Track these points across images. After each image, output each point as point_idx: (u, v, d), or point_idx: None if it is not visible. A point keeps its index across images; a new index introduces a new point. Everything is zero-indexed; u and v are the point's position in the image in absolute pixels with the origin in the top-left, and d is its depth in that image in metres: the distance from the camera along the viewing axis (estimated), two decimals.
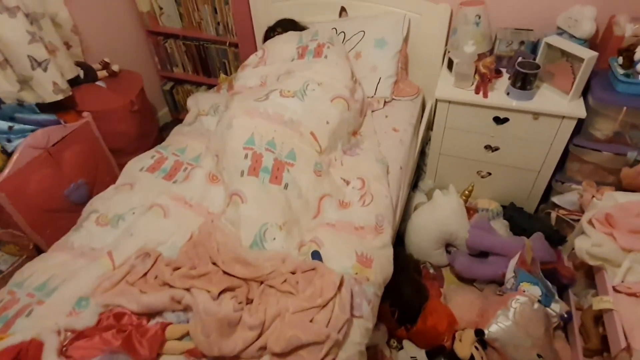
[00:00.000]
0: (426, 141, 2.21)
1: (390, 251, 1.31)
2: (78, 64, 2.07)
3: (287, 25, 2.06)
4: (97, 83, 2.09)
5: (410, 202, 2.01)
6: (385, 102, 1.98)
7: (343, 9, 2.14)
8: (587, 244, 1.36)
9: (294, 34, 1.94)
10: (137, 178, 1.57)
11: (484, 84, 1.68)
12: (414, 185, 2.13)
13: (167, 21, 2.49)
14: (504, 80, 1.79)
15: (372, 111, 1.93)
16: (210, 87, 2.70)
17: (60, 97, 1.80)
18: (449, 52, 1.93)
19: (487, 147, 1.85)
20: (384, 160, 1.60)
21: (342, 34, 2.06)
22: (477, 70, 1.72)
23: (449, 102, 1.75)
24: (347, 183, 1.51)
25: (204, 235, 1.25)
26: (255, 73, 1.85)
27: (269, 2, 2.23)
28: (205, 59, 2.54)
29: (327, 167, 1.53)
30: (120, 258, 1.21)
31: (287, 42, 1.91)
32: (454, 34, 1.86)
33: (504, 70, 1.85)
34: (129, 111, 2.05)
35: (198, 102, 1.97)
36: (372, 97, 1.97)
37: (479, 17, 1.77)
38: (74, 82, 2.01)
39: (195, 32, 2.43)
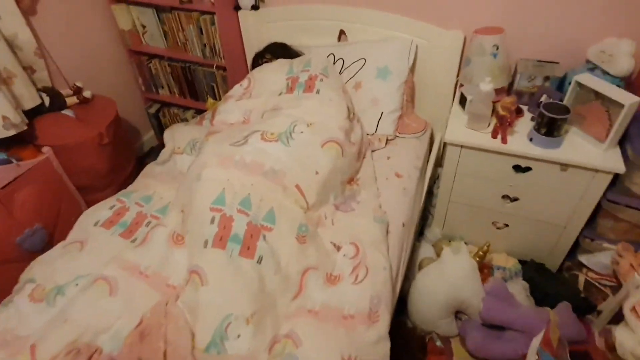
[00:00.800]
0: (434, 179, 1.96)
1: (386, 346, 1.05)
2: (44, 89, 1.85)
3: (277, 50, 1.82)
4: (64, 112, 1.87)
5: (414, 254, 1.75)
6: (387, 140, 1.73)
7: (342, 33, 1.90)
8: (631, 341, 1.09)
9: (284, 62, 1.70)
10: (90, 234, 1.33)
11: (502, 127, 1.43)
12: (419, 233, 1.87)
13: (151, 40, 2.27)
14: (526, 120, 1.53)
15: (373, 151, 1.68)
16: (198, 111, 2.47)
17: (11, 132, 1.57)
18: (461, 85, 1.68)
19: (505, 197, 1.59)
20: (384, 218, 1.34)
21: (341, 61, 1.82)
22: (494, 111, 1.46)
23: (461, 146, 1.49)
24: (338, 249, 1.26)
25: (154, 325, 1.00)
26: (238, 107, 1.61)
27: (260, 22, 2.00)
28: (192, 81, 2.31)
29: (314, 228, 1.28)
30: (45, 354, 0.96)
31: (275, 71, 1.67)
32: (467, 64, 1.61)
33: (524, 107, 1.60)
34: (98, 145, 1.82)
35: (174, 136, 1.73)
36: (373, 134, 1.72)
37: (497, 48, 1.52)
38: (37, 111, 1.79)
39: (180, 53, 2.21)
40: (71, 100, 1.93)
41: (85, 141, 1.78)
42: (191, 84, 2.33)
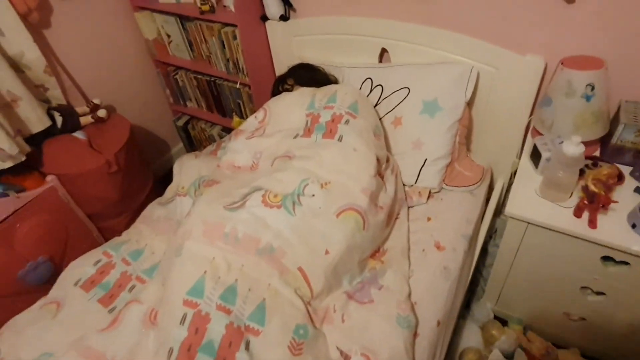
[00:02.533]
0: (491, 232, 1.57)
1: None
2: (58, 108, 1.73)
3: (302, 74, 1.52)
4: (76, 134, 1.73)
5: (455, 336, 1.40)
6: (430, 193, 1.38)
7: (385, 51, 1.55)
8: None
9: (306, 92, 1.40)
10: (68, 295, 1.17)
11: (592, 207, 1.02)
12: (466, 304, 1.51)
13: (176, 50, 2.07)
14: (627, 191, 1.11)
15: (409, 207, 1.34)
16: (225, 129, 2.26)
17: (7, 164, 1.45)
18: (535, 131, 1.27)
19: (587, 288, 1.19)
20: (410, 319, 1.02)
21: (379, 88, 1.48)
22: (581, 176, 1.06)
23: (529, 223, 1.11)
24: (346, 358, 0.96)
25: None
26: (248, 147, 1.35)
27: (290, 35, 1.71)
28: (219, 96, 2.09)
29: (317, 327, 1.00)
30: None
31: (294, 104, 1.37)
32: (547, 104, 1.19)
33: (624, 167, 1.16)
34: (106, 174, 1.67)
35: (182, 169, 1.52)
36: (412, 186, 1.38)
37: (592, 88, 1.09)
38: (48, 132, 1.68)
39: (205, 67, 1.99)
40: (85, 119, 1.79)
41: (92, 170, 1.63)
42: (217, 99, 2.12)
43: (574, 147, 0.98)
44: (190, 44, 1.98)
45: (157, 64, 2.16)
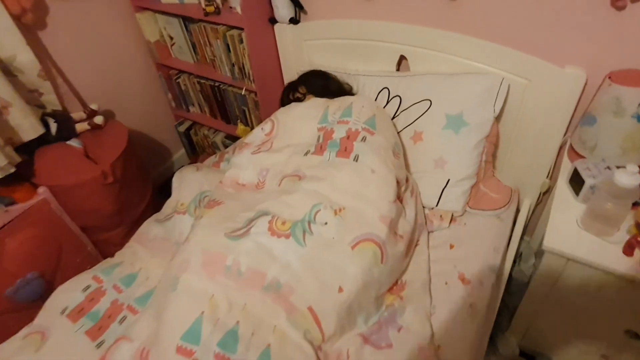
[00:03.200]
0: (516, 257, 1.44)
1: None
2: (53, 114, 1.62)
3: (314, 82, 1.40)
4: (71, 142, 1.63)
5: None
6: (453, 217, 1.25)
7: (403, 58, 1.43)
8: None
9: (319, 103, 1.27)
10: (54, 324, 1.06)
11: None
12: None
13: (179, 53, 1.96)
14: None
15: (430, 232, 1.22)
16: (229, 137, 2.15)
17: None
18: (573, 153, 1.14)
19: (630, 332, 1.05)
20: None
21: (397, 99, 1.36)
22: (633, 206, 0.93)
23: (569, 259, 0.98)
24: None
25: None
26: (253, 162, 1.23)
27: (300, 39, 1.59)
28: (223, 102, 1.98)
29: None
30: None
31: (305, 116, 1.25)
32: (590, 123, 1.06)
33: None
34: (101, 185, 1.56)
35: (182, 183, 1.41)
36: (433, 209, 1.26)
37: None
38: (42, 140, 1.57)
39: (209, 71, 1.87)
40: (82, 126, 1.68)
41: (87, 181, 1.52)
42: (222, 105, 2.00)
43: (628, 177, 0.85)
44: (194, 47, 1.87)
45: (159, 67, 2.05)
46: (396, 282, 1.07)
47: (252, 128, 1.99)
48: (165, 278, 0.97)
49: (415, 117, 1.31)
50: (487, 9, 1.19)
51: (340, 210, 0.99)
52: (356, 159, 1.07)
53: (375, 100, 1.40)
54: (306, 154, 1.15)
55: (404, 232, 1.05)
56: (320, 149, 1.14)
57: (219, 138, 2.17)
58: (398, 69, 1.46)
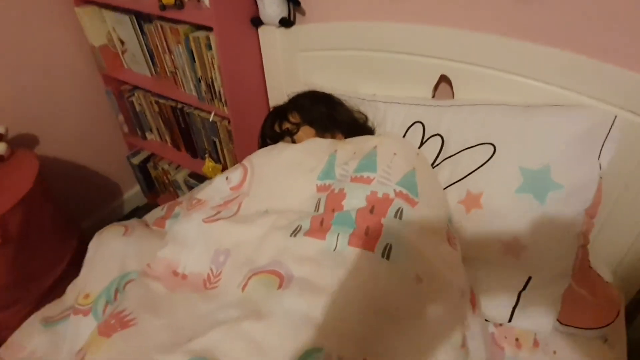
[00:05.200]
0: None
1: None
2: None
3: (312, 108, 0.93)
4: None
5: None
6: (535, 340, 0.75)
7: (444, 80, 0.97)
8: None
9: (318, 144, 0.80)
10: None
11: None
12: None
13: (133, 63, 1.49)
14: None
15: None
16: (195, 177, 1.64)
17: None
18: None
19: None
20: None
21: (437, 140, 0.89)
22: None
23: None
24: None
25: None
26: (207, 236, 0.73)
27: (295, 49, 1.13)
28: (187, 129, 1.49)
29: None
30: None
31: (296, 165, 0.77)
32: None
33: None
34: None
35: (96, 256, 0.88)
36: (502, 325, 0.76)
37: None
38: None
39: (169, 88, 1.40)
40: None
41: None
42: (186, 133, 1.51)
43: None
44: (151, 55, 1.39)
45: (107, 80, 1.56)
46: None
47: (225, 167, 1.49)
48: None
49: (468, 170, 0.83)
50: (585, 8, 0.75)
51: None
52: (386, 253, 0.57)
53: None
54: (295, 232, 0.65)
55: None
56: (320, 227, 0.64)
57: (181, 176, 1.66)
58: (434, 95, 1.00)
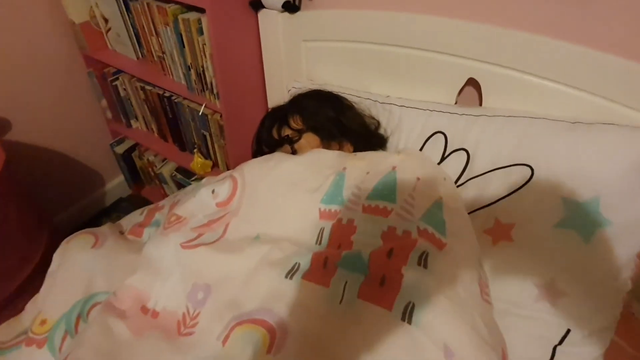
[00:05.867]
0: None
1: None
2: None
3: (318, 112, 0.79)
4: None
5: None
6: None
7: (471, 84, 0.84)
8: None
9: (324, 158, 0.67)
10: None
11: None
12: None
13: (117, 44, 1.34)
14: None
15: None
16: (183, 172, 1.51)
17: None
18: None
19: None
20: None
21: (462, 155, 0.76)
22: None
23: None
24: None
25: None
26: (185, 264, 0.60)
27: (299, 37, 0.99)
28: (175, 120, 1.35)
29: None
30: None
31: (295, 183, 0.64)
32: None
33: None
34: None
35: (59, 273, 0.76)
36: None
37: None
38: None
39: (156, 74, 1.25)
40: None
41: None
42: (174, 124, 1.37)
43: None
44: (137, 36, 1.24)
45: (88, 61, 1.40)
46: None
47: (216, 163, 1.36)
48: None
49: (498, 195, 0.70)
50: None
51: None
52: (408, 314, 0.45)
53: (421, 150, 0.80)
54: (292, 272, 0.53)
55: None
56: (323, 268, 0.51)
57: (167, 170, 1.52)
58: (456, 102, 0.87)
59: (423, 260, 0.49)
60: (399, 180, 0.56)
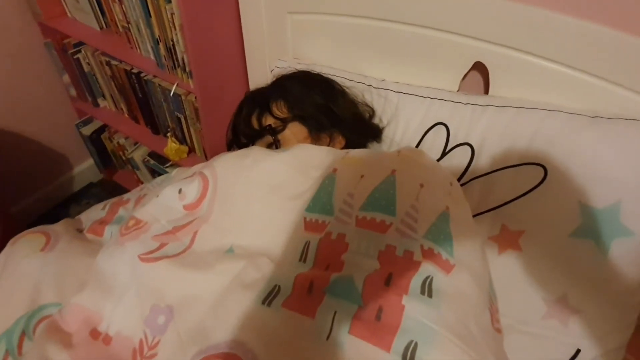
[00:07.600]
0: None
1: None
2: None
3: (306, 98, 0.68)
4: None
5: None
6: None
7: (478, 68, 0.74)
8: None
9: (311, 157, 0.57)
10: None
11: None
12: None
13: (77, 11, 1.18)
14: None
15: None
16: (156, 157, 1.38)
17: None
18: None
19: None
20: None
21: (466, 150, 0.67)
22: None
23: None
24: None
25: None
26: (142, 281, 0.51)
27: (278, 9, 0.87)
28: (146, 100, 1.22)
29: None
30: None
31: (276, 188, 0.54)
32: None
33: None
34: None
35: (1, 278, 0.65)
36: None
37: None
38: None
39: (121, 47, 1.11)
40: None
41: None
42: (145, 104, 1.24)
43: None
44: (99, 2, 1.09)
45: (45, 31, 1.25)
46: None
47: (193, 149, 1.24)
48: None
49: (506, 198, 0.62)
50: None
51: None
52: (409, 357, 0.37)
53: (418, 147, 0.71)
54: (270, 296, 0.44)
55: None
56: (307, 294, 0.42)
57: (139, 154, 1.40)
58: (459, 88, 0.77)
59: (427, 288, 0.40)
60: (399, 187, 0.47)
